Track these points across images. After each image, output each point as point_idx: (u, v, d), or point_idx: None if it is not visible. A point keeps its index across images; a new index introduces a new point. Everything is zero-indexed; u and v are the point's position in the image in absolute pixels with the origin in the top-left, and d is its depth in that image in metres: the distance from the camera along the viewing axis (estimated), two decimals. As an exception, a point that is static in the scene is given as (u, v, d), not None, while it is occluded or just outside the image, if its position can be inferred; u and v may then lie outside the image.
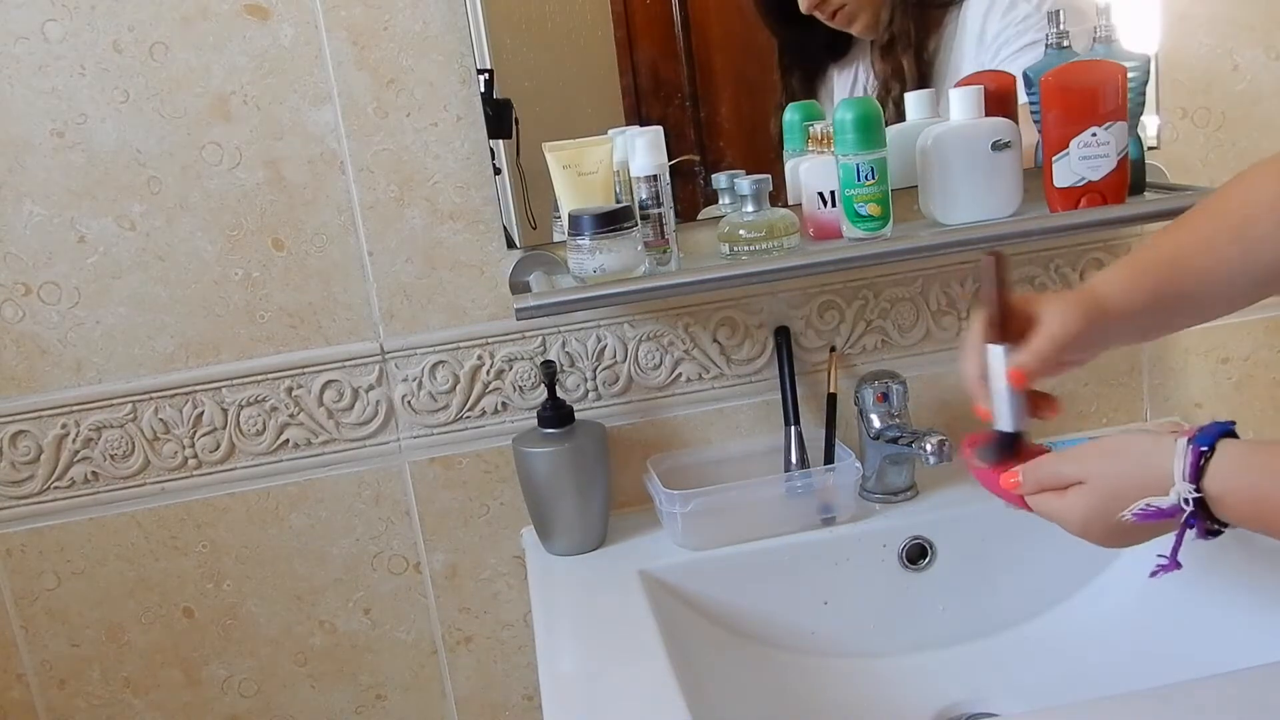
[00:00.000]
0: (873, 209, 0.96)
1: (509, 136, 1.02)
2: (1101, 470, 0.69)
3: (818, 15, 1.05)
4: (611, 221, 0.93)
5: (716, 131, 1.07)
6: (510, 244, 1.05)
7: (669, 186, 0.98)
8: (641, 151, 0.96)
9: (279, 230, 1.03)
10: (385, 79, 1.00)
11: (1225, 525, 0.64)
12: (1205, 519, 0.64)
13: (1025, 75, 1.02)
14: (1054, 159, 0.97)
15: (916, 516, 1.04)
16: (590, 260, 0.93)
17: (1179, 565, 0.68)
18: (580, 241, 0.93)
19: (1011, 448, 0.76)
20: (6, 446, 1.04)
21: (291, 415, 1.07)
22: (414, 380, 1.07)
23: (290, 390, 1.06)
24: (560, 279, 1.01)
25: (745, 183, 0.99)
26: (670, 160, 0.98)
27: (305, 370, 1.06)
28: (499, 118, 1.01)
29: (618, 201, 0.99)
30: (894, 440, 1.03)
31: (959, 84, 1.01)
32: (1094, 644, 0.99)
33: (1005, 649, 1.02)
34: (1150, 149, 1.08)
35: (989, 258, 0.74)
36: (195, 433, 1.06)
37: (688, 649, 0.93)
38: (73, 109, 0.98)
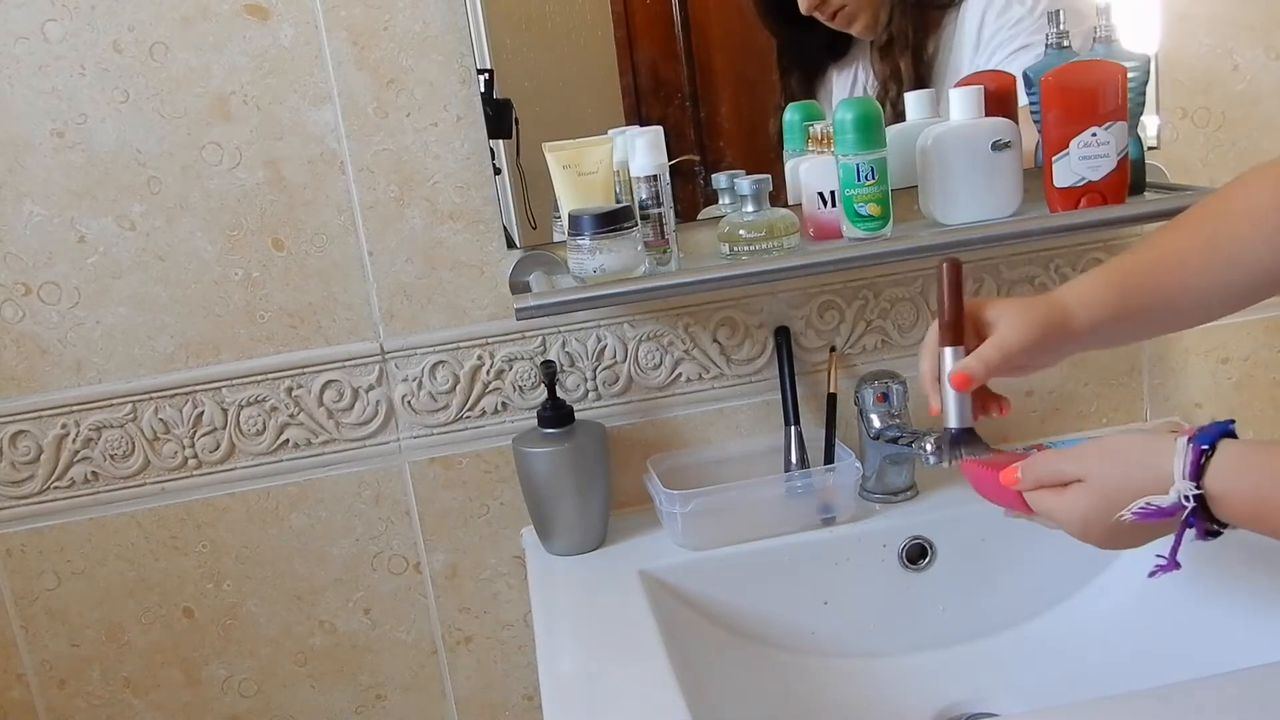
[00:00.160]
0: (873, 209, 0.96)
1: (509, 136, 1.02)
2: (1101, 470, 0.69)
3: (817, 16, 1.05)
4: (611, 221, 0.93)
5: (716, 131, 1.07)
6: (510, 244, 1.05)
7: (669, 186, 0.98)
8: (641, 151, 0.96)
9: (279, 230, 1.03)
10: (385, 79, 1.00)
11: (1224, 526, 0.64)
12: (1205, 519, 0.64)
13: (1025, 75, 1.02)
14: (1054, 159, 0.97)
15: (916, 516, 1.04)
16: (590, 260, 0.93)
17: (1178, 565, 0.68)
18: (580, 241, 0.93)
19: (959, 443, 0.81)
20: (6, 446, 1.04)
21: (291, 415, 1.07)
22: (414, 380, 1.08)
23: (290, 390, 1.06)
24: (560, 279, 1.01)
25: (745, 183, 0.99)
26: (670, 160, 0.98)
27: (305, 370, 1.06)
28: (499, 118, 1.01)
29: (618, 201, 0.99)
30: (894, 440, 1.02)
31: (959, 84, 1.01)
32: (1094, 644, 0.99)
33: (1005, 649, 1.02)
34: (1150, 149, 1.08)
35: (946, 264, 0.78)
36: (195, 433, 1.06)
37: (688, 649, 0.93)
38: (73, 109, 0.98)
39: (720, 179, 1.06)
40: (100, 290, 1.02)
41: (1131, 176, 0.99)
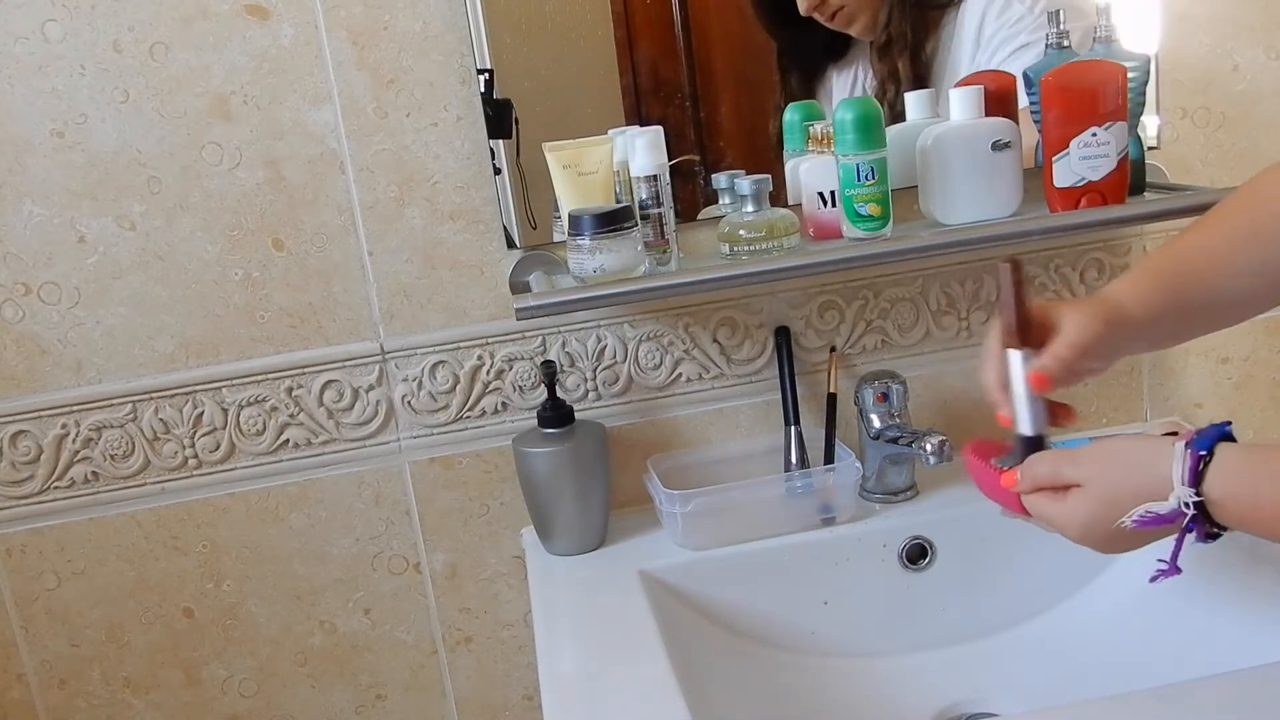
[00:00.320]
0: (873, 209, 0.96)
1: (509, 136, 1.02)
2: (1100, 475, 0.68)
3: (816, 16, 1.05)
4: (611, 221, 0.93)
5: (716, 131, 1.07)
6: (510, 244, 1.05)
7: (669, 186, 0.98)
8: (641, 151, 0.96)
9: (279, 230, 1.03)
10: (385, 79, 1.00)
11: (1224, 529, 0.64)
12: (1205, 523, 0.64)
13: (1025, 75, 1.02)
14: (1054, 159, 0.97)
15: (916, 516, 1.04)
16: (590, 260, 0.93)
17: (1179, 570, 0.68)
18: (580, 241, 0.93)
19: (1034, 453, 0.75)
20: (6, 446, 1.04)
21: (291, 415, 1.07)
22: (414, 380, 1.08)
23: (290, 390, 1.06)
24: (560, 279, 1.01)
25: (745, 183, 0.99)
26: (670, 160, 0.98)
27: (305, 370, 1.06)
28: (499, 118, 1.01)
29: (618, 201, 0.99)
30: (894, 440, 1.02)
31: (959, 84, 1.01)
32: (1094, 644, 0.99)
33: (1005, 649, 1.02)
34: (1150, 149, 1.08)
35: (1006, 264, 0.74)
36: (195, 433, 1.06)
37: (688, 649, 0.93)
38: (73, 109, 0.98)
39: (720, 179, 1.06)
40: (100, 290, 1.02)
41: (1131, 176, 0.99)
